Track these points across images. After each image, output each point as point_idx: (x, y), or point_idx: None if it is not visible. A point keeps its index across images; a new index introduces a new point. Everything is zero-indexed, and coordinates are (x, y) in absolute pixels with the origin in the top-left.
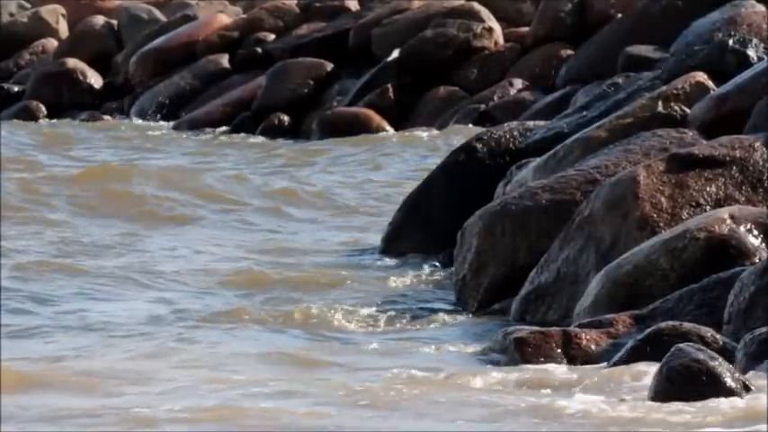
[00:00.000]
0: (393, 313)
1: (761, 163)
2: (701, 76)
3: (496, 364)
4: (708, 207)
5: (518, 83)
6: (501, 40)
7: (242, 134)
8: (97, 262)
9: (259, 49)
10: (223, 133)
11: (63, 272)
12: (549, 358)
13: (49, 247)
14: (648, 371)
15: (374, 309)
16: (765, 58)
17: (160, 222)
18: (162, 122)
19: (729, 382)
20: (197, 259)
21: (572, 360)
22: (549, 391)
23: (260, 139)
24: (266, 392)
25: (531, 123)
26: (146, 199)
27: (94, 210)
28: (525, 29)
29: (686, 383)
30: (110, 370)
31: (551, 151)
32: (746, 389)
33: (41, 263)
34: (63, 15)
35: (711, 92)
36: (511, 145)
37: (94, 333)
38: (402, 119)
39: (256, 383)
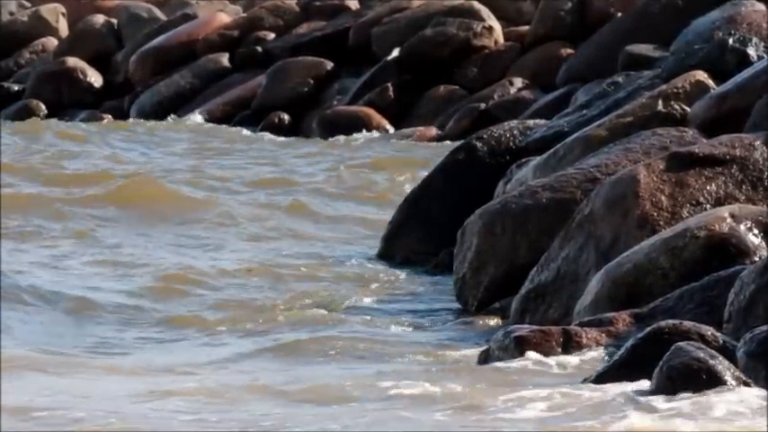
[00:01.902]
0: (392, 312)
1: (761, 162)
2: (701, 75)
3: (496, 363)
4: (708, 206)
5: (518, 82)
6: (501, 39)
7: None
8: None
9: (259, 48)
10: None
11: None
12: (549, 357)
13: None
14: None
15: (372, 307)
16: (765, 56)
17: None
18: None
19: (729, 380)
20: (196, 255)
21: None
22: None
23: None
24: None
25: (531, 122)
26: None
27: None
28: (525, 28)
29: (686, 382)
30: None
31: (551, 150)
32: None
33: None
34: (63, 14)
35: (711, 90)
36: (511, 144)
37: None
38: (402, 118)
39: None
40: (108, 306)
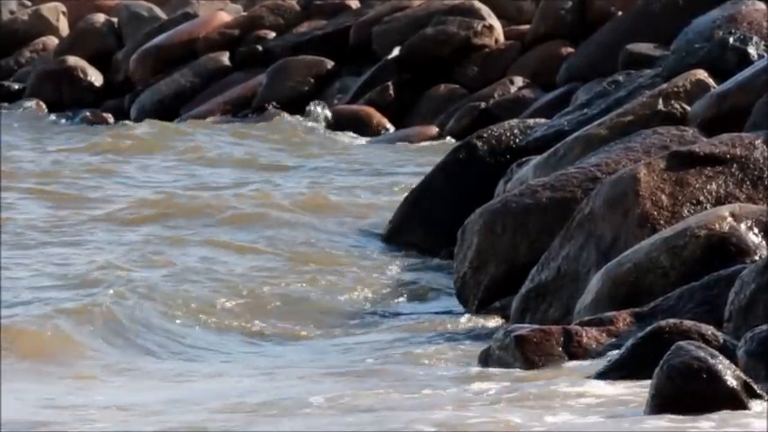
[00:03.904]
0: (393, 311)
1: (761, 161)
2: (702, 74)
3: (498, 362)
4: (708, 205)
5: (518, 80)
6: (501, 38)
7: None
8: None
9: (260, 47)
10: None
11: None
12: (550, 356)
13: None
14: None
15: (372, 306)
16: (766, 55)
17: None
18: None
19: (730, 380)
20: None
21: (573, 358)
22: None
23: None
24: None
25: (531, 121)
26: None
27: None
28: (526, 26)
29: (686, 381)
30: None
31: (552, 149)
32: (746, 387)
33: None
34: (63, 13)
35: (712, 89)
36: (511, 143)
37: None
38: (402, 116)
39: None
40: None
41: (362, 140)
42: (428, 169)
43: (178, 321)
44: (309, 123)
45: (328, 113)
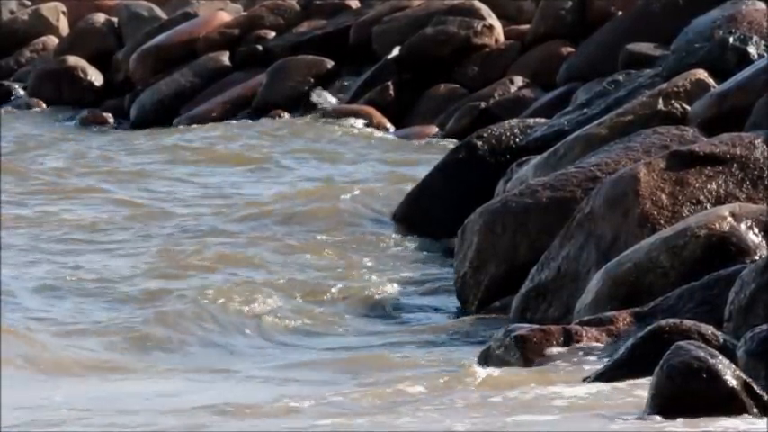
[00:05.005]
0: (391, 310)
1: (761, 160)
2: (702, 74)
3: (497, 361)
4: (708, 205)
5: (518, 80)
6: (501, 38)
7: None
8: None
9: (260, 47)
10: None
11: None
12: (549, 356)
13: None
14: None
15: (370, 305)
16: (766, 55)
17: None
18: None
19: (730, 380)
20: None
21: (572, 357)
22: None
23: None
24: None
25: (531, 121)
26: None
27: None
28: (526, 26)
29: (686, 381)
30: None
31: (552, 149)
32: (746, 387)
33: None
34: (63, 13)
35: (712, 89)
36: (511, 142)
37: None
38: (402, 116)
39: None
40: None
41: (367, 132)
42: (428, 169)
43: (171, 317)
44: (310, 120)
45: (331, 101)
